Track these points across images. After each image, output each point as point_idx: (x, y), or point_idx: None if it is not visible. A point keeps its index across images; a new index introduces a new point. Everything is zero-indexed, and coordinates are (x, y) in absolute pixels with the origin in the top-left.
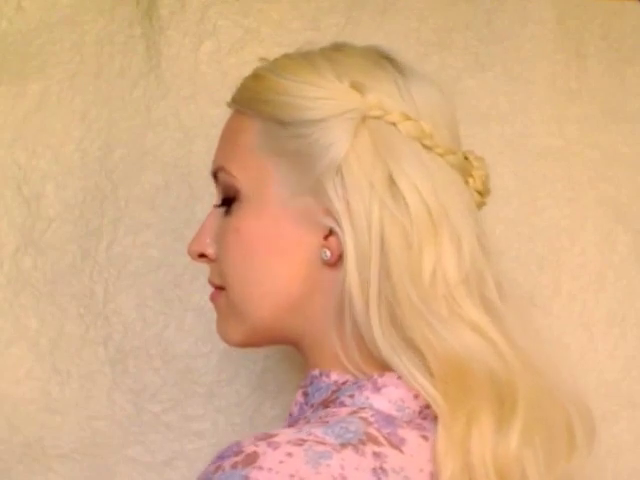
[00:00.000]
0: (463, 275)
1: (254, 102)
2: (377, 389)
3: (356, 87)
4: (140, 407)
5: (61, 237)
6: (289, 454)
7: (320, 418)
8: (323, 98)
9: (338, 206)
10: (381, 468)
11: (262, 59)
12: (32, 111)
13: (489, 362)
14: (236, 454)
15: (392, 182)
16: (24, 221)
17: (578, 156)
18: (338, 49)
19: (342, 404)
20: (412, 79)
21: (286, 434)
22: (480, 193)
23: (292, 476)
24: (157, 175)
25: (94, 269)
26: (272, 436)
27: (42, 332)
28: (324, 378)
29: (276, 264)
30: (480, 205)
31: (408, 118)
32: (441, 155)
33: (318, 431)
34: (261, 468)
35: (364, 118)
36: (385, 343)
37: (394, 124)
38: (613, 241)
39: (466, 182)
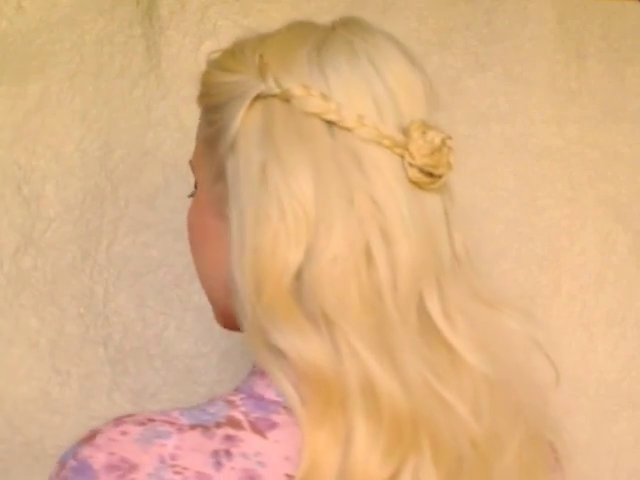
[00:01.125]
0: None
1: (198, 96)
2: (264, 374)
3: (261, 67)
4: (140, 407)
5: (61, 237)
6: (124, 432)
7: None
8: (229, 82)
9: (231, 192)
10: (226, 451)
11: (216, 51)
12: (32, 111)
13: (337, 369)
14: (88, 433)
15: (265, 167)
16: (24, 221)
17: (578, 156)
18: (280, 29)
19: (233, 390)
20: (332, 53)
21: (141, 414)
22: (421, 169)
23: (112, 454)
24: (157, 175)
25: (94, 269)
26: (128, 416)
27: (42, 332)
28: (253, 368)
29: (205, 252)
30: (422, 183)
31: (308, 94)
32: (350, 129)
33: (175, 412)
34: (91, 445)
35: (259, 97)
36: (250, 339)
37: (288, 100)
38: (613, 241)
39: (402, 157)
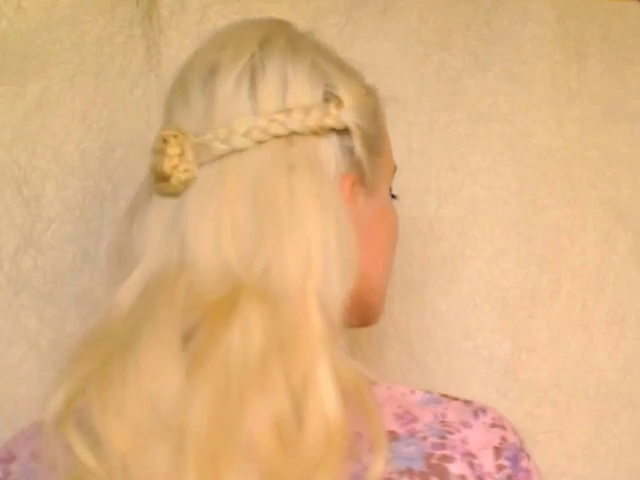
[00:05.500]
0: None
1: None
2: None
3: None
4: None
5: (61, 237)
6: (22, 432)
7: None
8: None
9: None
10: None
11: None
12: (32, 111)
13: None
14: None
15: None
16: (24, 221)
17: (578, 156)
18: None
19: None
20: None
21: None
22: (154, 178)
23: (6, 448)
24: None
25: (94, 269)
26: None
27: (42, 332)
28: None
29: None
30: (158, 191)
31: None
32: None
33: None
34: (5, 442)
35: None
36: None
37: None
38: (613, 241)
39: None
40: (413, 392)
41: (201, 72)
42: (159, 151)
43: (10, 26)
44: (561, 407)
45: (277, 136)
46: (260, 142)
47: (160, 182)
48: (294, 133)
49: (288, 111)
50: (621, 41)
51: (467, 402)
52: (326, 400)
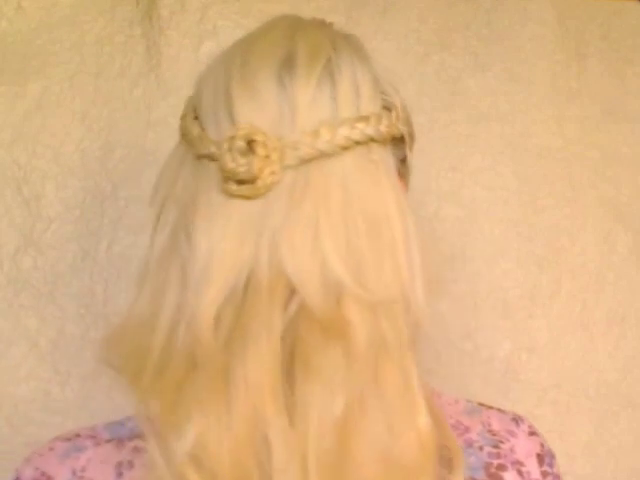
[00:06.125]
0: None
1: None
2: None
3: None
4: None
5: (61, 237)
6: (51, 448)
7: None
8: None
9: None
10: (129, 462)
11: None
12: (32, 111)
13: None
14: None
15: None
16: (24, 221)
17: (578, 156)
18: None
19: None
20: (208, 69)
21: (72, 431)
22: (225, 178)
23: (36, 468)
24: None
25: (94, 269)
26: (65, 434)
27: (42, 332)
28: None
29: None
30: (233, 193)
31: (182, 118)
32: (188, 146)
33: (101, 427)
34: (27, 460)
35: None
36: None
37: None
38: (613, 241)
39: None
40: (457, 402)
41: (271, 66)
42: (244, 151)
43: (10, 26)
44: (561, 407)
45: (358, 142)
46: (344, 148)
47: (238, 184)
48: (372, 140)
49: (366, 119)
50: (621, 41)
51: (501, 411)
52: (418, 410)
